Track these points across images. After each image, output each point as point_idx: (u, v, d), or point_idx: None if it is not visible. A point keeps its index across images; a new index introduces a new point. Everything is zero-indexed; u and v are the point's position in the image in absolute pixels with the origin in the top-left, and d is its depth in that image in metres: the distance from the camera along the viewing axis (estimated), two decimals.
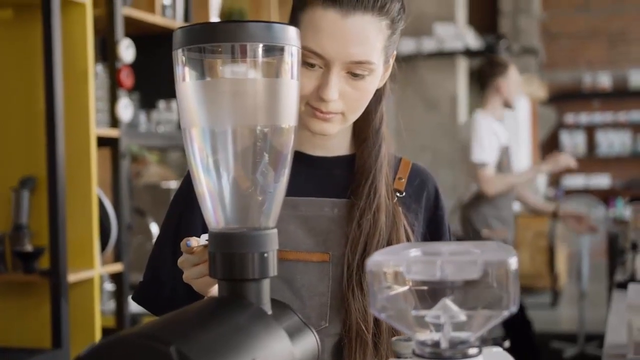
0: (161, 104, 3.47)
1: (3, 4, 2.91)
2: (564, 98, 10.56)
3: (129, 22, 3.18)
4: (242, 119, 0.91)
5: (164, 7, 3.41)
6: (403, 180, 1.38)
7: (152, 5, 3.30)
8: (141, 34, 3.33)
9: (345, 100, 1.24)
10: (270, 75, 0.91)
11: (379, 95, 1.36)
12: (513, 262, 0.86)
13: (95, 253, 2.92)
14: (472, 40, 5.85)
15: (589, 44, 10.63)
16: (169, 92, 3.38)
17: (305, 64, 1.21)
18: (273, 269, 0.91)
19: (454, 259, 0.90)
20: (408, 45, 5.68)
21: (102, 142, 3.05)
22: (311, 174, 1.34)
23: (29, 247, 2.84)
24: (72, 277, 2.81)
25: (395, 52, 1.34)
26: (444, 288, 0.89)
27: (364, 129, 1.36)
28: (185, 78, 0.91)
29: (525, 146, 9.43)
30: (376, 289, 0.87)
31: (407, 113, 5.94)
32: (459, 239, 4.04)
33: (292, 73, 0.92)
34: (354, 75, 1.23)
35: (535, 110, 9.99)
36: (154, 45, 3.08)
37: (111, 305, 3.33)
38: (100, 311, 3.05)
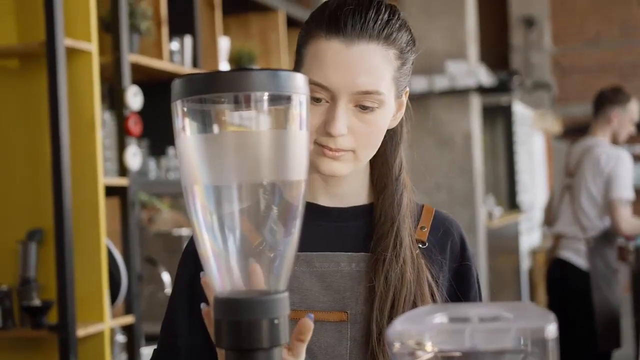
0: (171, 150, 3.42)
1: (9, 54, 2.88)
2: (578, 132, 10.47)
3: (137, 68, 3.14)
4: (248, 174, 0.84)
5: (171, 53, 3.37)
6: (426, 229, 1.29)
7: (159, 51, 3.27)
8: (149, 80, 3.29)
9: (355, 136, 1.17)
10: (277, 126, 0.84)
11: (396, 139, 1.30)
12: (551, 329, 0.78)
13: (105, 306, 2.84)
14: (485, 76, 5.79)
15: (601, 78, 10.57)
16: None
17: (311, 98, 1.15)
18: (285, 336, 0.83)
19: (484, 327, 0.82)
20: (420, 83, 5.63)
21: (111, 191, 2.99)
22: (326, 227, 1.26)
23: (37, 302, 2.76)
24: (82, 332, 2.73)
25: (408, 90, 1.27)
26: (473, 358, 0.81)
27: (382, 177, 1.29)
28: (186, 131, 0.84)
29: (541, 180, 9.34)
30: None
31: (420, 151, 5.85)
32: (586, 274, 3.94)
33: (301, 123, 0.85)
34: (363, 108, 1.16)
35: (550, 145, 9.91)
36: (162, 91, 3.01)
37: (123, 357, 3.25)
38: None
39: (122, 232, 3.05)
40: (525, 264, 7.79)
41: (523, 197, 8.07)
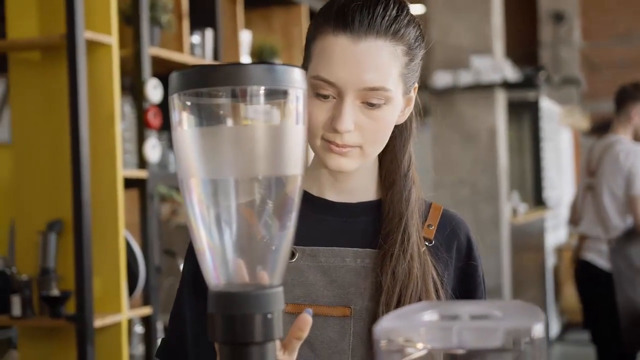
0: None
1: (31, 47, 2.91)
2: (607, 128, 10.36)
3: (157, 61, 3.16)
4: (244, 168, 0.84)
5: (192, 46, 3.38)
6: (433, 227, 1.29)
7: (180, 44, 3.28)
8: (170, 73, 3.29)
9: (362, 132, 1.17)
10: (273, 120, 0.84)
11: (405, 135, 1.29)
12: (538, 329, 0.77)
13: (122, 297, 2.87)
14: (510, 72, 5.75)
15: (631, 74, 10.44)
16: None
17: (318, 95, 1.16)
18: (278, 331, 0.83)
19: (473, 325, 0.82)
20: (445, 78, 5.60)
21: (131, 183, 3.01)
22: (333, 222, 1.26)
23: (55, 292, 2.79)
24: (99, 322, 2.75)
25: (417, 85, 1.26)
26: (462, 355, 0.80)
27: (391, 172, 1.28)
28: (182, 125, 0.84)
29: (568, 177, 9.27)
30: (385, 358, 0.79)
31: (444, 147, 5.86)
32: (610, 275, 3.91)
33: (298, 118, 0.85)
34: (370, 105, 1.16)
35: (578, 141, 9.83)
36: None
37: (141, 348, 3.27)
38: (129, 355, 2.99)
39: (141, 224, 3.07)
40: (550, 261, 7.73)
41: (549, 194, 8.00)
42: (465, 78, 5.58)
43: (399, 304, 1.20)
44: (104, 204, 2.84)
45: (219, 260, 0.85)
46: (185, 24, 3.32)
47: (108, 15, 2.83)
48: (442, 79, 5.64)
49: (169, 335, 1.29)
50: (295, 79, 0.84)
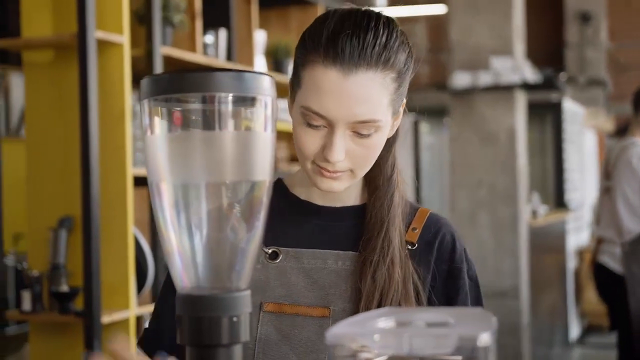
0: None
1: (44, 45, 2.95)
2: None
3: (170, 61, 3.19)
4: (212, 173, 0.86)
5: (205, 46, 3.40)
6: (417, 231, 1.30)
7: (193, 44, 3.31)
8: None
9: (353, 158, 1.19)
10: (241, 127, 0.86)
11: (389, 141, 1.29)
12: (484, 338, 0.78)
13: (131, 293, 2.90)
14: (530, 73, 5.72)
15: None
16: None
17: (309, 124, 1.17)
18: (245, 334, 0.85)
19: (424, 332, 0.83)
20: (464, 79, 5.58)
21: (140, 181, 3.04)
22: (318, 225, 1.29)
23: (65, 287, 2.84)
24: (107, 318, 2.79)
25: (405, 101, 1.27)
26: None
27: (375, 178, 1.29)
28: (152, 129, 0.86)
29: (592, 179, 9.20)
30: None
31: (463, 148, 5.84)
32: (623, 278, 3.90)
33: (266, 125, 0.86)
34: (360, 135, 1.17)
35: (602, 142, 9.74)
36: None
37: None
38: (136, 352, 3.01)
39: (150, 222, 3.10)
40: (571, 263, 7.68)
41: (572, 196, 7.95)
42: (484, 79, 5.56)
43: (379, 307, 1.21)
44: (114, 202, 2.88)
45: (187, 263, 0.87)
46: (199, 23, 3.35)
47: (120, 15, 2.87)
48: (461, 79, 5.62)
49: (151, 325, 1.31)
50: (264, 87, 0.85)
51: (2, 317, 3.48)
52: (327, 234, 1.28)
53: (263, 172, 0.86)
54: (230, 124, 0.85)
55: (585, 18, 10.21)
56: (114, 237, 2.88)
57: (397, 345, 0.81)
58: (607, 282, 4.11)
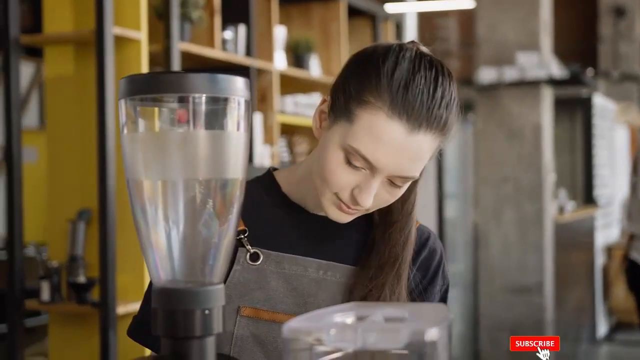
0: None
1: (64, 41, 3.00)
2: None
3: (189, 57, 3.23)
4: (185, 171, 0.89)
5: (224, 42, 3.44)
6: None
7: (211, 40, 3.34)
8: (202, 68, 3.38)
9: (376, 201, 1.17)
10: (214, 127, 0.89)
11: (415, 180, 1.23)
12: (432, 333, 0.80)
13: (146, 285, 2.95)
14: (556, 68, 5.69)
15: None
16: None
17: (350, 163, 1.13)
18: (218, 326, 0.88)
19: (378, 327, 0.86)
20: (490, 75, 5.57)
21: None
22: (304, 231, 1.26)
23: (82, 279, 2.90)
24: (122, 309, 2.84)
25: None
26: (371, 356, 0.84)
27: (392, 211, 1.25)
28: (128, 128, 0.90)
29: (623, 175, 9.10)
30: (292, 357, 0.83)
31: (488, 143, 5.82)
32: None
33: (239, 125, 0.89)
34: (393, 184, 1.16)
35: (635, 137, 9.63)
36: None
37: None
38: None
39: None
40: (600, 260, 7.62)
41: (601, 192, 7.88)
42: (510, 74, 5.53)
43: None
44: None
45: (161, 257, 0.90)
46: (217, 19, 3.39)
47: (138, 11, 2.91)
48: (487, 75, 5.60)
49: (140, 314, 1.31)
50: (237, 88, 0.88)
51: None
52: (311, 241, 1.26)
53: (236, 171, 0.89)
54: (203, 123, 0.88)
55: (619, 12, 10.09)
56: (130, 229, 2.93)
57: (351, 340, 0.83)
58: (638, 278, 4.09)
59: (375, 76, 1.12)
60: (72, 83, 3.02)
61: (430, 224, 5.23)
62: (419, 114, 1.10)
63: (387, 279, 1.22)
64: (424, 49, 1.18)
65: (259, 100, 3.69)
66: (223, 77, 0.87)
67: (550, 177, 5.89)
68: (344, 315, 0.88)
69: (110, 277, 2.77)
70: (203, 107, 0.87)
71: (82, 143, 3.00)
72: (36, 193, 3.72)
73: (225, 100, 0.88)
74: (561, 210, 6.46)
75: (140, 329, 1.30)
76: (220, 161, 0.89)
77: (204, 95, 0.86)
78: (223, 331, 1.03)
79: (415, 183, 1.23)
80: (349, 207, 1.16)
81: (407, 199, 1.24)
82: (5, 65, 2.94)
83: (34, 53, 3.96)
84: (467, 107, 6.63)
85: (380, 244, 1.24)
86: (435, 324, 0.82)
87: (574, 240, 6.77)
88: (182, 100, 0.87)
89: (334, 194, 1.16)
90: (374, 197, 1.15)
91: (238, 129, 0.89)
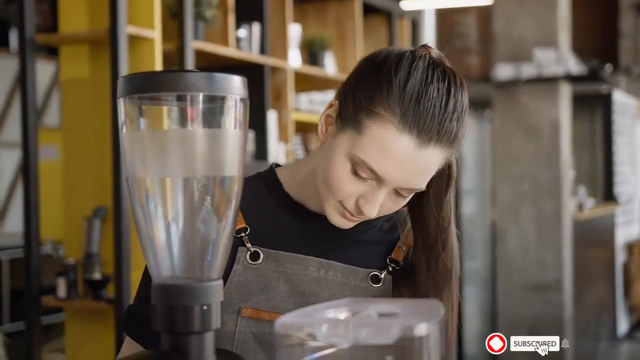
0: None
1: (79, 40, 3.03)
2: None
3: (203, 55, 3.25)
4: (184, 169, 0.90)
5: (238, 40, 3.46)
6: (404, 249, 1.26)
7: (225, 38, 3.36)
8: (216, 67, 3.39)
9: (381, 210, 1.15)
10: (212, 125, 0.90)
11: (445, 181, 1.19)
12: (421, 329, 0.81)
13: None
14: (574, 65, 5.65)
15: None
16: None
17: (356, 173, 1.11)
18: (216, 322, 0.89)
19: (369, 322, 0.86)
20: (507, 71, 5.55)
21: None
22: (305, 230, 1.24)
23: (97, 275, 2.92)
24: None
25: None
26: (363, 351, 0.85)
27: (429, 227, 1.20)
28: (127, 126, 0.91)
29: None
30: (284, 352, 0.84)
31: (505, 141, 5.80)
32: None
33: (236, 123, 0.90)
34: (399, 194, 1.14)
35: None
36: None
37: None
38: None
39: None
40: (620, 257, 7.57)
41: (622, 189, 7.83)
42: (527, 71, 5.51)
43: None
44: None
45: (160, 254, 0.91)
46: (231, 17, 3.41)
47: (152, 10, 2.94)
48: (504, 71, 5.58)
49: (138, 309, 1.27)
50: (234, 87, 0.90)
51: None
52: (312, 240, 1.24)
53: (233, 168, 0.90)
54: (201, 122, 0.89)
55: None
56: None
57: (343, 335, 0.84)
58: None
59: (387, 87, 1.10)
60: (87, 82, 3.05)
61: None
62: (430, 128, 1.08)
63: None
64: (435, 54, 1.14)
65: (273, 98, 3.71)
66: (220, 76, 0.88)
67: (569, 174, 5.86)
68: (338, 311, 0.89)
69: (125, 274, 2.80)
70: (200, 106, 0.88)
71: (97, 141, 3.02)
72: (58, 191, 3.76)
73: (223, 98, 0.89)
74: (580, 207, 6.43)
75: (136, 324, 1.25)
76: (218, 159, 0.90)
77: (201, 93, 0.88)
78: (222, 328, 1.04)
79: (445, 194, 1.19)
80: (352, 215, 1.15)
81: (439, 212, 1.20)
82: (22, 64, 2.98)
83: (56, 52, 3.99)
84: (484, 105, 6.62)
85: (421, 272, 1.21)
86: (425, 319, 0.82)
87: (594, 238, 6.73)
88: (180, 99, 0.88)
89: (338, 202, 1.14)
90: (380, 206, 1.14)
91: (235, 127, 0.90)
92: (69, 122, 3.11)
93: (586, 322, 6.18)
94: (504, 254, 5.72)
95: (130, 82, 0.90)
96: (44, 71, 7.20)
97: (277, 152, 3.65)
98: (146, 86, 0.90)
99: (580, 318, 5.94)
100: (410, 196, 1.16)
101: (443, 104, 1.09)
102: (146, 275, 1.30)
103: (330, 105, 1.17)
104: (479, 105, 8.15)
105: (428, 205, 1.20)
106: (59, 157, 4.83)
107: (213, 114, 0.90)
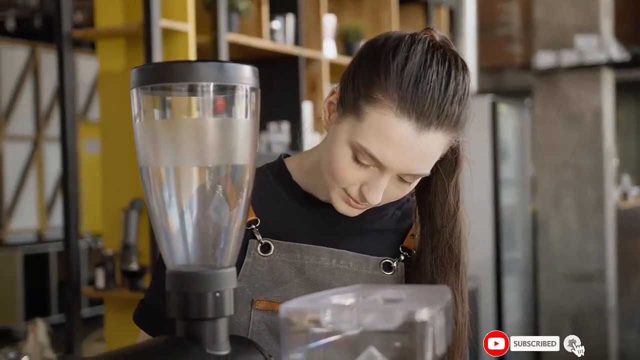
0: (272, 125, 3.54)
1: (115, 34, 3.07)
2: None
3: (237, 47, 3.27)
4: (196, 158, 0.92)
5: (272, 32, 3.47)
6: (416, 237, 1.23)
7: (259, 30, 3.37)
8: (251, 59, 3.41)
9: (385, 196, 1.14)
10: (223, 114, 0.91)
11: (450, 167, 1.18)
12: (423, 314, 0.81)
13: None
14: (617, 51, 5.56)
15: None
16: (280, 114, 3.45)
17: (357, 160, 1.10)
18: (230, 308, 0.90)
19: (373, 308, 0.87)
20: (548, 59, 5.48)
21: None
22: (315, 219, 1.23)
23: (134, 266, 2.97)
24: None
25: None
26: (368, 337, 0.85)
27: (436, 214, 1.19)
28: (140, 117, 0.93)
29: None
30: (288, 338, 0.85)
31: (547, 129, 5.74)
32: None
33: (247, 112, 0.91)
34: (403, 180, 1.13)
35: None
36: (263, 69, 3.13)
37: None
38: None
39: None
40: None
41: None
42: (568, 58, 5.44)
43: None
44: None
45: (174, 242, 0.93)
46: (265, 9, 3.42)
47: (185, 3, 2.96)
48: (545, 59, 5.52)
49: (152, 301, 1.27)
50: (245, 76, 0.91)
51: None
52: (323, 229, 1.23)
53: (244, 157, 0.91)
54: (212, 111, 0.91)
55: None
56: None
57: (347, 321, 0.85)
58: None
59: (384, 72, 1.08)
60: (123, 76, 3.09)
61: (486, 211, 5.19)
62: (429, 112, 1.06)
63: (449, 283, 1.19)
64: (439, 37, 1.12)
65: (308, 89, 3.71)
66: (231, 66, 0.89)
67: (612, 162, 5.78)
68: (344, 297, 0.90)
69: None
70: (211, 95, 0.90)
71: (133, 134, 3.06)
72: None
73: (233, 88, 0.90)
74: (625, 196, 6.34)
75: (150, 315, 1.26)
76: (229, 148, 0.91)
77: (212, 83, 0.89)
78: (236, 319, 1.04)
79: (450, 180, 1.18)
80: (357, 203, 1.14)
81: (445, 198, 1.18)
82: (59, 59, 3.02)
83: None
84: (524, 93, 6.55)
85: (427, 256, 1.20)
86: (429, 304, 0.83)
87: (638, 227, 6.63)
88: (192, 89, 0.90)
89: (343, 189, 1.13)
90: (384, 193, 1.13)
91: (246, 116, 0.91)
92: (106, 115, 3.16)
93: (631, 312, 6.10)
94: (546, 243, 5.67)
95: (142, 73, 0.92)
96: (88, 67, 7.32)
97: (312, 143, 3.65)
98: (158, 77, 0.91)
99: (625, 308, 5.86)
100: (416, 182, 1.15)
101: (443, 87, 1.07)
102: (159, 268, 1.27)
103: (332, 92, 1.16)
104: (514, 94, 8.04)
105: (433, 190, 1.19)
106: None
107: (224, 104, 0.91)
